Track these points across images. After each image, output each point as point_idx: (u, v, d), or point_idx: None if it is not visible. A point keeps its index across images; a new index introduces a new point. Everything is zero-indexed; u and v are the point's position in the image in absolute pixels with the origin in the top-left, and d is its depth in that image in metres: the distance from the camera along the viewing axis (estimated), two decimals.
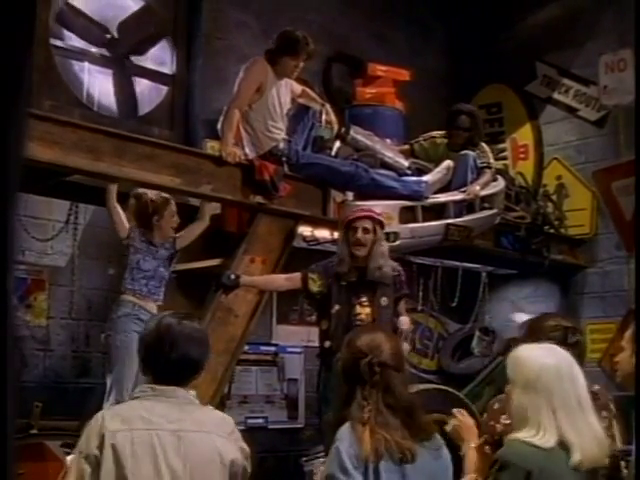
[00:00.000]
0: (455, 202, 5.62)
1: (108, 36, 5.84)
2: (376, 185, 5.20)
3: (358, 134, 5.48)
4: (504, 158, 7.57)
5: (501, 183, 6.15)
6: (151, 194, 4.56)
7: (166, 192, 4.58)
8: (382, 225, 4.56)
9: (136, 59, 6.02)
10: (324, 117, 5.25)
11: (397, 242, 5.13)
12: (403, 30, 7.52)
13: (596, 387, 2.92)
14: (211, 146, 5.41)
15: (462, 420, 2.82)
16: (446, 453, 2.46)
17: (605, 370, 6.22)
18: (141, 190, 4.57)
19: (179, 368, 2.38)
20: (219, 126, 4.92)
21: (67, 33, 5.61)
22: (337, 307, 4.39)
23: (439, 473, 2.41)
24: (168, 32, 6.15)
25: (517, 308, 5.04)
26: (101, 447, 2.21)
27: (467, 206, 5.71)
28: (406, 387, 2.52)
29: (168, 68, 6.16)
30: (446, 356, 7.19)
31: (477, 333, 6.81)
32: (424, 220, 5.44)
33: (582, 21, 7.23)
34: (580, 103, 7.29)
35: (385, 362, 2.42)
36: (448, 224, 5.51)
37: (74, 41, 5.64)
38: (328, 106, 5.33)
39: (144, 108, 6.02)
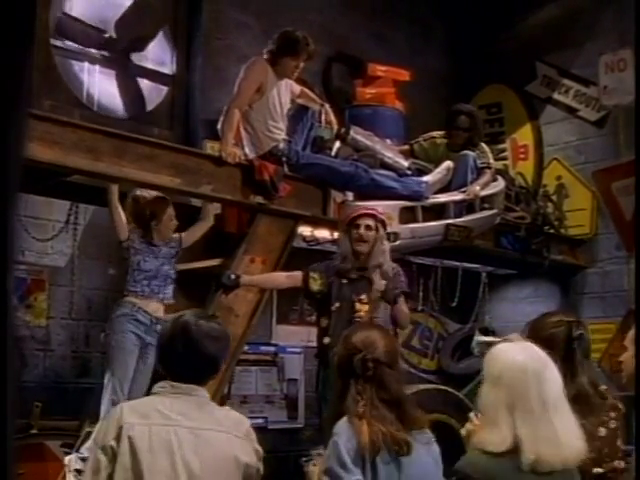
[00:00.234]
0: (455, 202, 5.63)
1: (106, 35, 5.84)
2: (376, 185, 5.20)
3: (358, 134, 5.48)
4: (504, 158, 7.57)
5: (501, 183, 6.15)
6: (149, 196, 4.54)
7: (166, 192, 4.57)
8: (384, 225, 4.58)
9: (137, 58, 6.01)
10: (323, 117, 5.25)
11: (397, 242, 5.13)
12: (403, 30, 7.52)
13: (603, 387, 2.89)
14: (211, 146, 5.41)
15: (477, 424, 2.82)
16: (436, 447, 2.51)
17: (605, 370, 6.22)
18: (139, 192, 4.55)
19: (196, 366, 2.38)
20: (219, 126, 4.91)
21: (68, 24, 5.61)
22: (337, 304, 4.40)
23: (431, 466, 2.45)
24: (166, 23, 6.13)
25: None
26: (118, 439, 2.22)
27: (467, 206, 5.71)
28: (400, 383, 2.55)
29: (168, 68, 6.16)
30: (446, 356, 7.20)
31: (477, 333, 6.80)
32: (424, 220, 5.44)
33: (582, 21, 7.23)
34: (580, 103, 7.29)
35: (378, 358, 2.48)
36: (448, 224, 5.51)
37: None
38: (327, 106, 5.32)
39: (144, 108, 6.03)
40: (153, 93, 6.10)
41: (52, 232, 5.07)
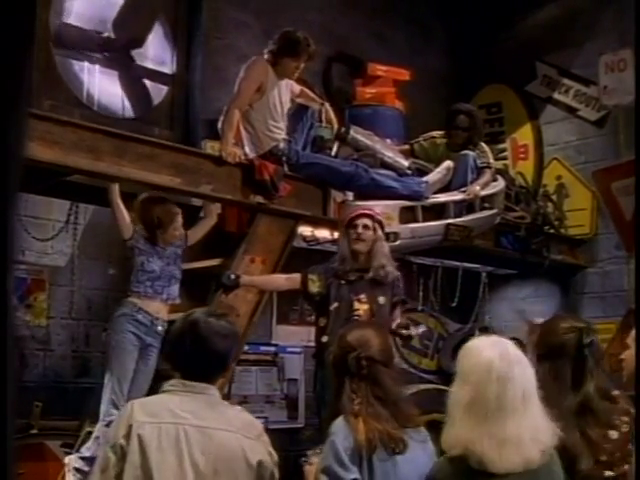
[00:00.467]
0: (455, 202, 5.62)
1: (105, 35, 5.82)
2: (376, 185, 5.20)
3: (358, 134, 5.48)
4: (504, 158, 7.58)
5: (501, 183, 6.15)
6: (158, 203, 4.49)
7: (166, 192, 4.55)
8: (382, 225, 4.58)
9: (137, 58, 6.01)
10: (324, 116, 5.25)
11: (397, 242, 5.13)
12: (403, 30, 7.52)
13: (615, 392, 2.84)
14: (211, 146, 5.40)
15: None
16: (431, 445, 2.51)
17: (604, 370, 6.20)
18: (149, 198, 4.51)
19: (204, 363, 2.38)
20: (219, 126, 4.91)
21: (67, 34, 5.60)
22: (336, 304, 4.41)
23: (427, 464, 2.44)
24: (162, 13, 6.11)
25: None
26: (128, 437, 2.22)
27: (467, 206, 5.71)
28: (395, 381, 2.56)
29: (168, 68, 6.16)
30: (446, 356, 7.19)
31: (477, 333, 6.81)
32: (424, 220, 5.44)
33: (582, 21, 7.23)
34: (580, 103, 7.29)
35: (373, 357, 2.49)
36: (448, 224, 5.51)
37: None
38: (327, 105, 5.32)
39: (150, 107, 6.03)
40: (153, 93, 6.10)
41: (52, 232, 5.07)
